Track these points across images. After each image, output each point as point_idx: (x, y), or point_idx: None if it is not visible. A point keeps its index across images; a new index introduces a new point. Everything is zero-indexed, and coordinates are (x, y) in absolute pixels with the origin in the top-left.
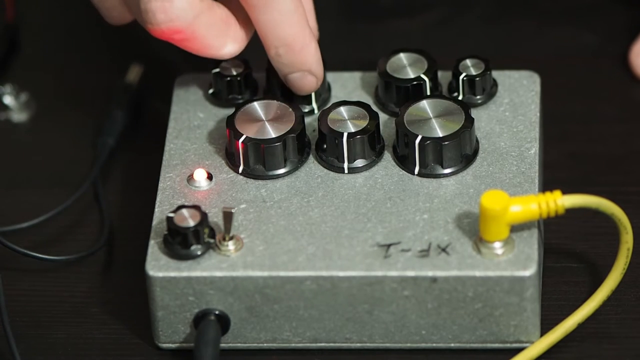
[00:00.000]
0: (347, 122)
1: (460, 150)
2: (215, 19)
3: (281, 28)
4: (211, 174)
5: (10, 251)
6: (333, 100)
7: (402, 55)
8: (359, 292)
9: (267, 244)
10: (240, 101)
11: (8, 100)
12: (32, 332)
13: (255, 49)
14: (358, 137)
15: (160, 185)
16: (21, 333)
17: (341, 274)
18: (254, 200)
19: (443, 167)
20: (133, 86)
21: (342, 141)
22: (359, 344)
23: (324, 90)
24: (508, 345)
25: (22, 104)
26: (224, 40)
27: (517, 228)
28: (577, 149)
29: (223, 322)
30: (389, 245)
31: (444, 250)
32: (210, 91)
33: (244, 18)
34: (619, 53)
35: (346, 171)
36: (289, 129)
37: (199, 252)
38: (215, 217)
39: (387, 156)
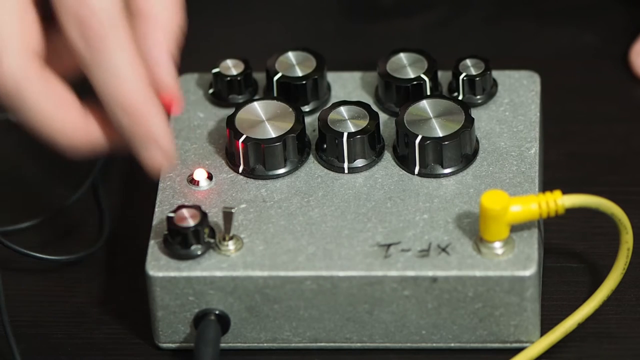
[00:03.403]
0: (347, 122)
1: (460, 150)
2: (51, 92)
3: (116, 87)
4: (211, 174)
5: (10, 251)
6: (333, 100)
7: (402, 55)
8: (359, 292)
9: (267, 243)
10: (240, 101)
11: None
12: (32, 332)
13: (256, 49)
14: (358, 137)
15: (160, 185)
16: (21, 333)
17: (341, 274)
18: (254, 200)
19: (443, 167)
20: None
21: (342, 141)
22: (359, 344)
23: (324, 91)
24: (508, 345)
25: None
26: (59, 121)
27: (517, 228)
28: (577, 149)
29: (223, 322)
30: (389, 245)
31: (444, 250)
32: (210, 91)
33: (100, 114)
34: (619, 53)
35: (346, 171)
36: (289, 129)
37: (199, 252)
38: (215, 217)
39: (387, 156)
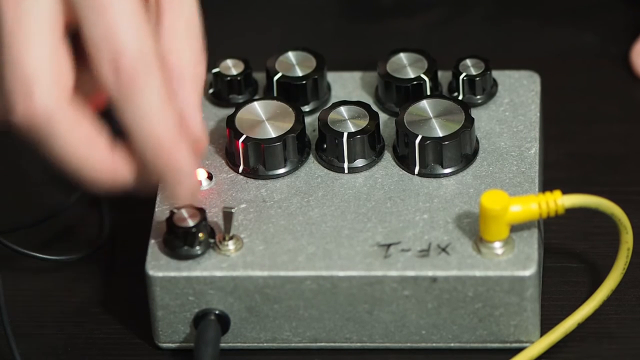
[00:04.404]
0: (347, 122)
1: (460, 150)
2: (81, 130)
3: (145, 126)
4: (211, 174)
5: (10, 251)
6: (333, 100)
7: (402, 55)
8: (359, 292)
9: (267, 243)
10: (240, 101)
11: None
12: (32, 332)
13: (256, 49)
14: (358, 137)
15: (160, 185)
16: (21, 333)
17: (341, 273)
18: (254, 200)
19: (443, 167)
20: None
21: (342, 141)
22: (359, 344)
23: (324, 91)
24: (508, 345)
25: None
26: (86, 158)
27: (517, 228)
28: (577, 149)
29: (223, 322)
30: (389, 245)
31: (444, 250)
32: (210, 91)
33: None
34: (620, 53)
35: (346, 171)
36: (289, 129)
37: (199, 252)
38: (215, 217)
39: (387, 156)
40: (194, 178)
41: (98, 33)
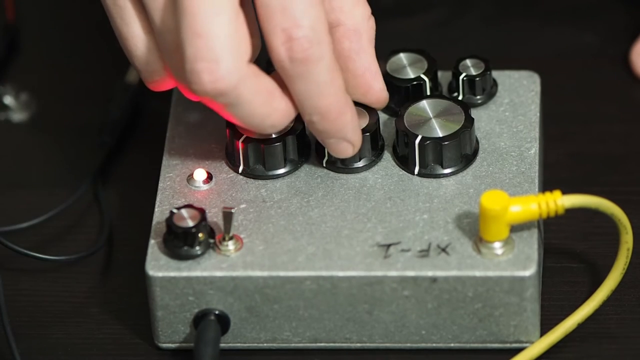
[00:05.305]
0: None
1: (460, 150)
2: (260, 87)
3: (316, 98)
4: (211, 174)
5: (10, 251)
6: None
7: (402, 55)
8: (359, 292)
9: (267, 243)
10: None
11: (8, 100)
12: (32, 332)
13: None
14: None
15: (160, 185)
16: (21, 333)
17: (341, 274)
18: (254, 200)
19: (443, 167)
20: (133, 86)
21: None
22: (359, 344)
23: None
24: (508, 345)
25: (22, 104)
26: (268, 111)
27: (517, 228)
28: (577, 149)
29: (223, 322)
30: (388, 245)
31: (443, 250)
32: None
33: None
34: (620, 53)
35: (346, 171)
36: (289, 129)
37: (198, 252)
38: (215, 217)
39: (387, 156)
40: (356, 138)
41: (275, 3)
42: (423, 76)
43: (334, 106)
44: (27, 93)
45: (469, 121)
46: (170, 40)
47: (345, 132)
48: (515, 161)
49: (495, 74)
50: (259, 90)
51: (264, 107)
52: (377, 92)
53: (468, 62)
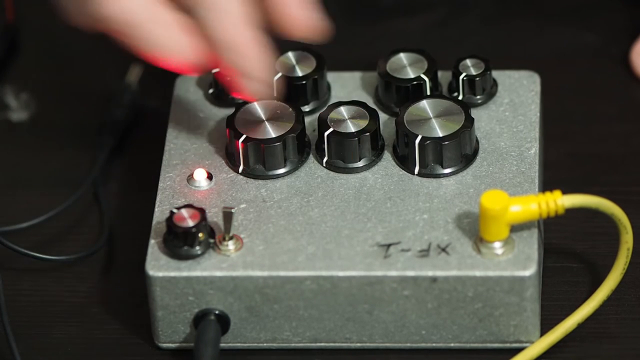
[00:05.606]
0: (347, 122)
1: (460, 150)
2: (169, 18)
3: (219, 28)
4: (211, 174)
5: (10, 251)
6: (333, 100)
7: (402, 55)
8: (359, 292)
9: (267, 243)
10: (240, 101)
11: (8, 100)
12: (32, 332)
13: None
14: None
15: (160, 185)
16: (21, 333)
17: (341, 274)
18: (254, 200)
19: (443, 167)
20: (133, 86)
21: None
22: (359, 344)
23: (324, 91)
24: (508, 345)
25: (22, 104)
26: (177, 44)
27: (517, 228)
28: (577, 149)
29: (223, 322)
30: (389, 245)
31: (443, 250)
32: (210, 91)
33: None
34: (620, 53)
35: (347, 171)
36: (289, 129)
37: (198, 252)
38: (215, 217)
39: (387, 156)
40: (265, 76)
41: None
42: (423, 76)
43: (242, 39)
44: (27, 93)
45: (469, 121)
46: None
47: (255, 70)
48: (515, 161)
49: (495, 74)
50: (164, 22)
51: (168, 37)
52: (295, 17)
53: (468, 62)
